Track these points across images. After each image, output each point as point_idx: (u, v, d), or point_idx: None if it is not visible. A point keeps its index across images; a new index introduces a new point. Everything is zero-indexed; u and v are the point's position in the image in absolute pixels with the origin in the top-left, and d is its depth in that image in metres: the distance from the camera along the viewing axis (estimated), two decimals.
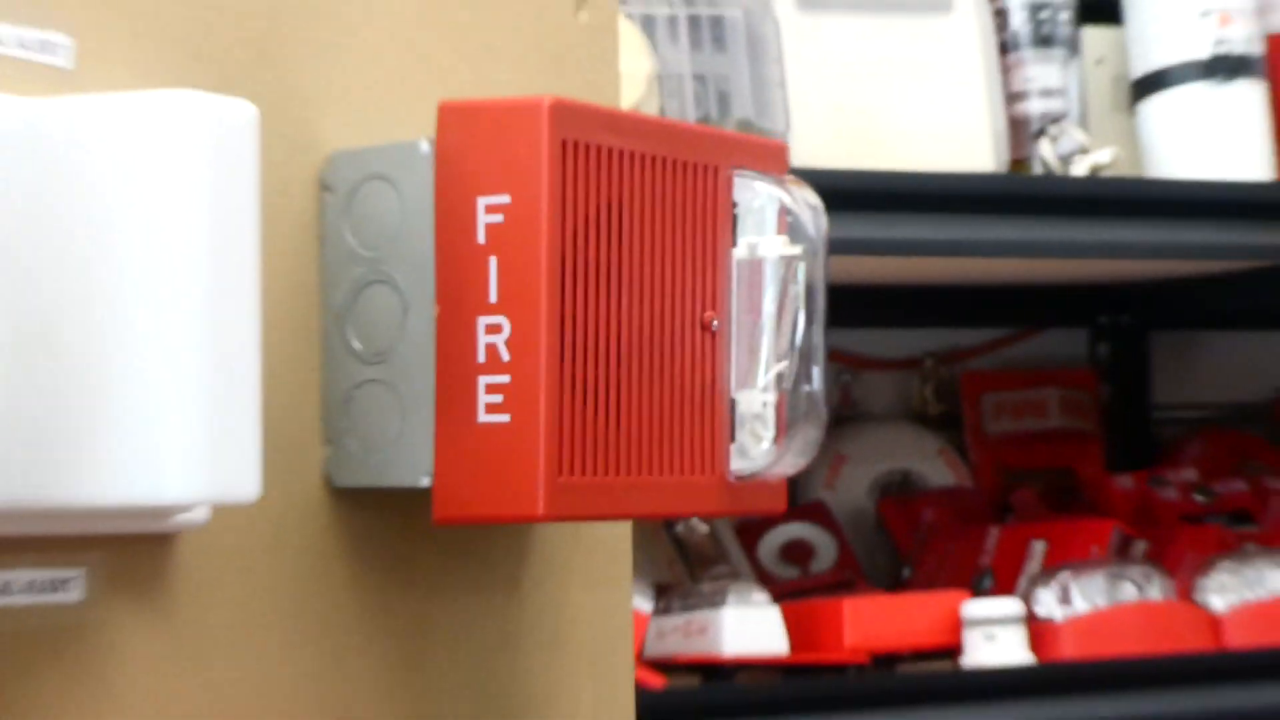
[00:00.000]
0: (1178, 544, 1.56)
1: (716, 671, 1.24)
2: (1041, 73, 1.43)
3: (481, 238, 0.57)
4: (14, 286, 0.54)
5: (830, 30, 1.23)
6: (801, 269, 0.61)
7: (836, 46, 1.23)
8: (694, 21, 1.14)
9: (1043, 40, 1.42)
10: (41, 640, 0.58)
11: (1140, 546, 1.57)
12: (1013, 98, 1.41)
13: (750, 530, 1.64)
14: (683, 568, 1.54)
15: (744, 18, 1.16)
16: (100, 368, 0.54)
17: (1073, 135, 1.41)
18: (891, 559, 1.71)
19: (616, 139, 0.58)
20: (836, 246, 1.15)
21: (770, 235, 0.61)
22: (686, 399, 0.59)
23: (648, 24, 1.12)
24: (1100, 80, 1.56)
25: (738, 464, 0.61)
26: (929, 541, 1.64)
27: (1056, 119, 1.43)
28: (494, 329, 0.56)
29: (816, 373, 0.61)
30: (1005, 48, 1.40)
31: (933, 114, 1.29)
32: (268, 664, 0.63)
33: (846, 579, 1.59)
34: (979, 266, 1.56)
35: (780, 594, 1.44)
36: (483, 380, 0.57)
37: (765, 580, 1.56)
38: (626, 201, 0.58)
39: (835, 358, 1.81)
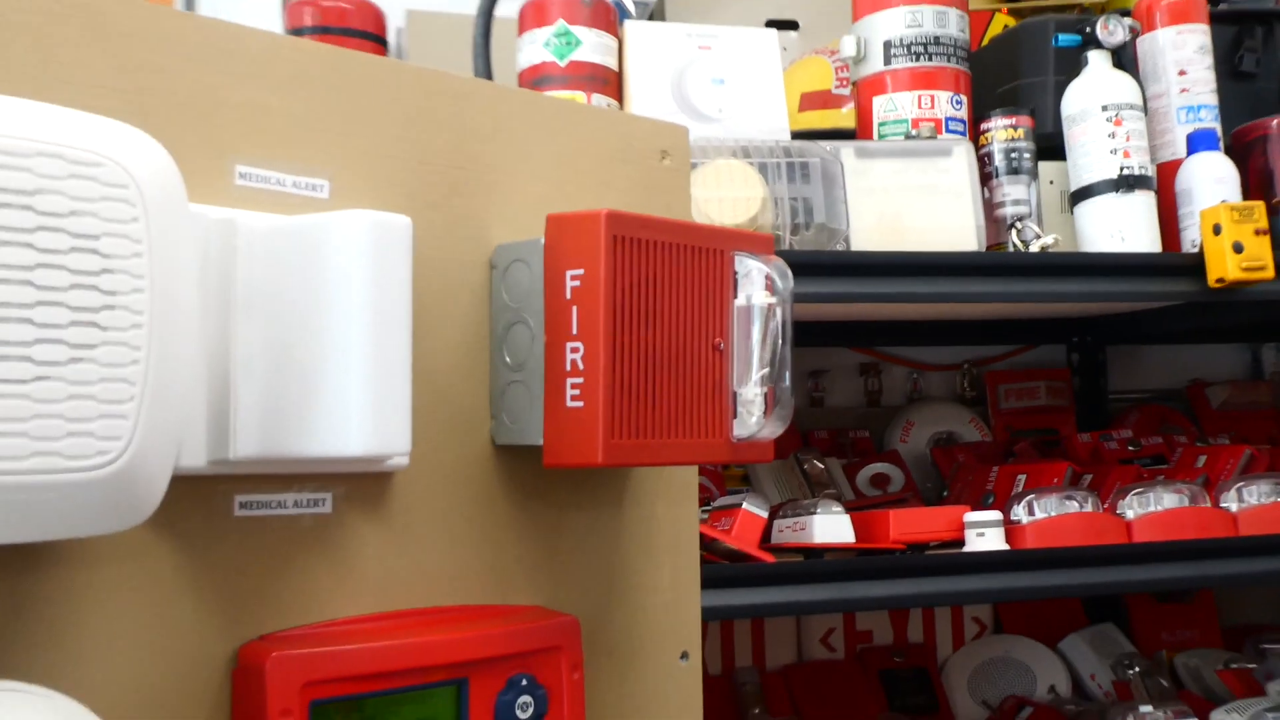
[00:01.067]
0: (1111, 477, 1.65)
1: (810, 552, 1.48)
2: (1013, 190, 1.57)
3: (569, 295, 0.69)
4: (271, 322, 0.63)
5: (876, 168, 1.51)
6: (778, 311, 0.75)
7: (879, 177, 1.50)
8: (790, 165, 1.47)
9: (1013, 170, 1.58)
10: (308, 536, 0.68)
11: (1085, 479, 1.67)
12: (993, 206, 1.58)
13: (852, 467, 1.92)
14: (807, 488, 1.88)
15: (821, 162, 1.49)
16: (316, 375, 0.62)
17: (1031, 227, 1.56)
18: (938, 485, 1.96)
19: (652, 234, 0.70)
20: (881, 297, 1.51)
21: (758, 291, 0.75)
22: (702, 391, 0.73)
23: (763, 168, 1.47)
24: (1051, 193, 1.66)
25: (738, 431, 0.75)
26: (959, 474, 1.83)
27: (1022, 218, 1.57)
28: (575, 350, 0.69)
29: (787, 376, 0.75)
30: (988, 176, 1.58)
31: (939, 217, 1.49)
32: (457, 552, 0.73)
33: (907, 497, 1.82)
34: (991, 309, 1.74)
35: (865, 505, 1.71)
36: (569, 381, 0.69)
37: (858, 496, 1.88)
38: (660, 272, 0.71)
39: (907, 363, 2.14)
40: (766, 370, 0.77)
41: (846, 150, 1.51)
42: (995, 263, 1.52)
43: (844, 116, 1.79)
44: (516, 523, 0.78)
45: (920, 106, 1.60)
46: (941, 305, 1.67)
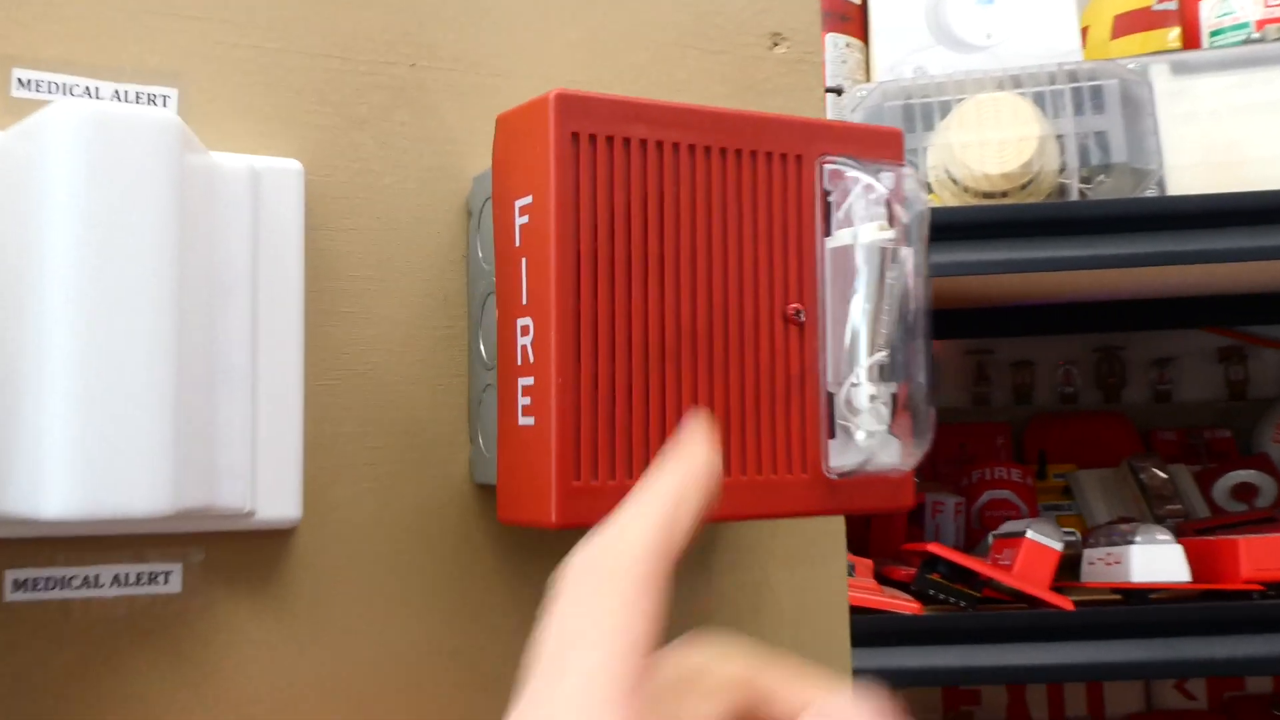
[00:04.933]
0: None
1: (1131, 594, 1.11)
2: None
3: (518, 240, 0.42)
4: None
5: (1200, 86, 1.09)
6: (907, 257, 0.44)
7: (1205, 98, 1.08)
8: (1077, 92, 1.08)
9: None
10: (137, 630, 0.44)
11: None
12: None
13: (1208, 475, 1.52)
14: (1144, 504, 1.47)
15: (1121, 85, 1.08)
16: (8, 386, 0.37)
17: None
18: None
19: (654, 129, 0.41)
20: (1215, 256, 1.09)
21: (868, 221, 0.44)
22: (765, 395, 0.42)
23: (1039, 99, 1.09)
24: None
25: (839, 460, 0.43)
26: None
27: None
28: (525, 330, 0.41)
29: (924, 364, 0.44)
30: None
31: None
32: (404, 649, 0.47)
33: (1278, 514, 1.39)
34: None
35: (1222, 524, 1.32)
36: (520, 382, 0.41)
37: (1215, 512, 1.46)
38: (673, 194, 0.41)
39: None
40: (886, 355, 0.43)
41: (1158, 67, 1.10)
42: None
43: (1172, 40, 1.36)
44: (515, 605, 0.49)
45: (1268, 3, 1.16)
46: None
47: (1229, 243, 1.05)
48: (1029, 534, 1.09)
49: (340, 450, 0.47)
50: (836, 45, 1.22)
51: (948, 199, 1.10)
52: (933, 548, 1.09)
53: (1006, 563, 1.11)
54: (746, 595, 0.53)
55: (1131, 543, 1.13)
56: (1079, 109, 1.07)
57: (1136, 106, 1.07)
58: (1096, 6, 1.42)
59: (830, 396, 0.44)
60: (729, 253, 0.43)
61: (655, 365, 0.41)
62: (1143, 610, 1.07)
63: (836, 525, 0.56)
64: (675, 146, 0.42)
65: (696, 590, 0.52)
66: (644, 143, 0.41)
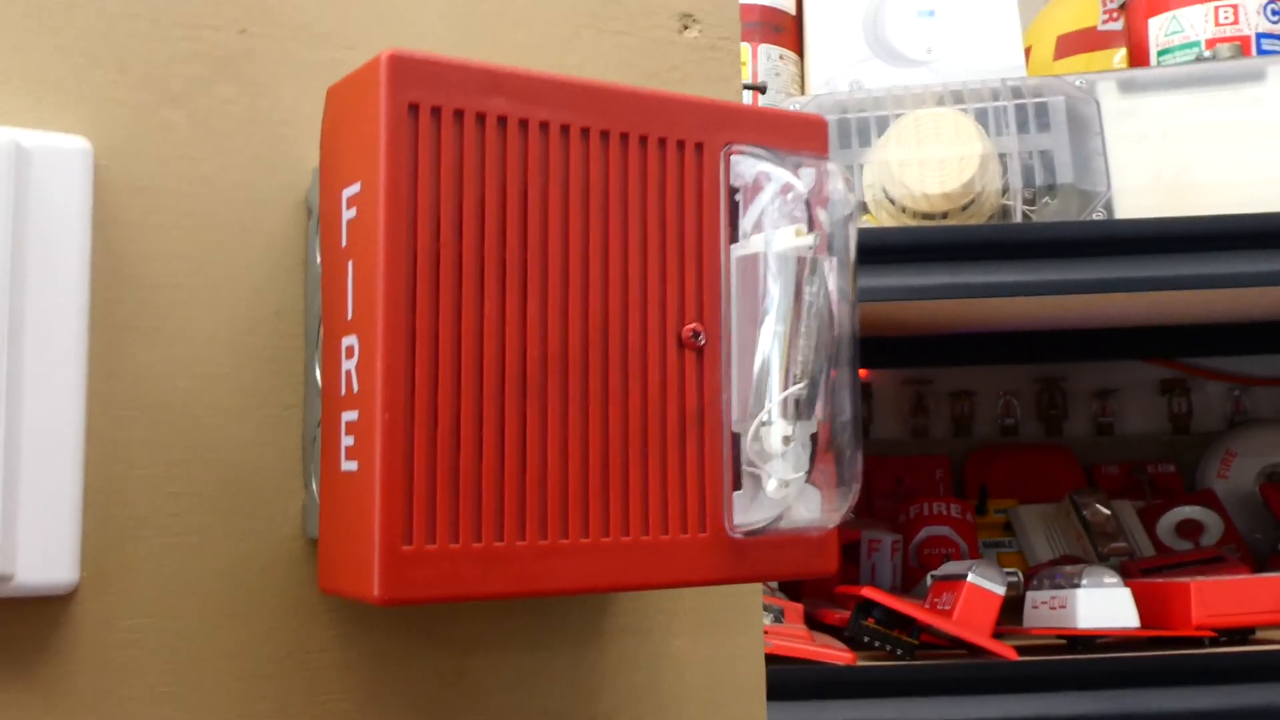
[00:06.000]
0: None
1: (1077, 641, 1.04)
2: None
3: (344, 238, 0.33)
4: None
5: (1150, 105, 1.01)
6: (827, 268, 0.35)
7: (1155, 118, 1.01)
8: (1021, 109, 1.00)
9: None
10: None
11: None
12: None
13: (1152, 511, 1.46)
14: (1087, 541, 1.40)
15: (1067, 102, 1.01)
16: None
17: None
18: (1271, 535, 1.47)
19: (511, 104, 0.32)
20: (1163, 284, 1.02)
21: (783, 225, 0.35)
22: (655, 435, 0.34)
23: (982, 116, 1.02)
24: None
25: (745, 517, 0.35)
26: None
27: None
28: (350, 352, 0.33)
29: (846, 398, 0.36)
30: None
31: (1250, 166, 1.00)
32: None
33: (1225, 553, 1.33)
34: None
35: (1168, 564, 1.26)
36: (343, 417, 0.33)
37: (1160, 550, 1.40)
38: (540, 187, 0.33)
39: (1225, 377, 1.62)
40: (803, 388, 0.35)
41: (1105, 85, 1.03)
42: None
43: (1118, 62, 1.30)
44: (359, 687, 0.40)
45: (1217, 21, 1.10)
46: (1272, 292, 1.14)
47: (1179, 269, 0.98)
48: (970, 577, 1.01)
49: (136, 498, 0.38)
50: (770, 57, 1.14)
51: (885, 220, 1.03)
52: (867, 591, 1.01)
53: (946, 607, 1.03)
54: (642, 669, 0.45)
55: (1077, 586, 1.05)
56: (1023, 127, 1.00)
57: (1083, 125, 1.01)
58: (1039, 26, 1.37)
59: (735, 438, 0.36)
60: (611, 260, 0.34)
61: (514, 399, 0.32)
62: (1091, 661, 1.00)
63: (752, 586, 0.47)
64: (544, 126, 0.33)
65: (582, 663, 0.43)
66: (503, 120, 0.33)
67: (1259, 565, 1.35)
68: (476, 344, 0.32)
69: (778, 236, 0.35)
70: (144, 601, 0.38)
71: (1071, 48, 1.33)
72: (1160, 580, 1.10)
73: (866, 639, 1.01)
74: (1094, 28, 1.33)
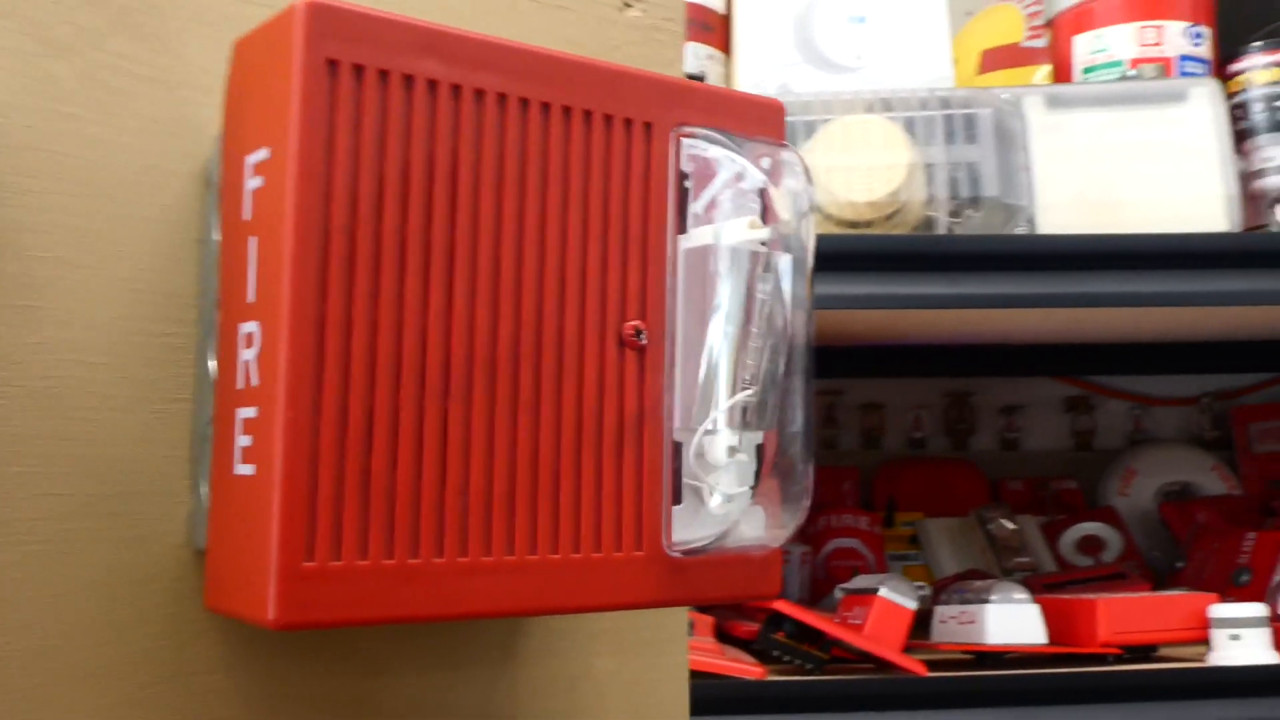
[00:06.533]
0: None
1: (985, 657, 1.03)
2: (1279, 152, 1.06)
3: (247, 210, 0.29)
4: None
5: (1075, 122, 1.01)
6: (781, 264, 0.32)
7: (1080, 134, 1.01)
8: (949, 120, 0.99)
9: (1278, 125, 1.07)
10: None
11: None
12: (1249, 175, 1.06)
13: (1054, 527, 1.46)
14: (992, 556, 1.40)
15: (994, 115, 1.01)
16: None
17: None
18: (1169, 553, 1.48)
19: (444, 67, 0.28)
20: (1084, 300, 1.02)
21: (736, 215, 0.32)
22: (589, 443, 0.30)
23: (910, 125, 1.01)
24: None
25: (685, 534, 0.32)
26: (1200, 540, 1.38)
27: None
28: (249, 340, 0.29)
29: (798, 406, 0.32)
30: (1242, 135, 1.06)
31: (1170, 186, 1.00)
32: None
33: (1126, 570, 1.33)
34: (1239, 322, 1.25)
35: (1070, 580, 1.26)
36: (239, 414, 0.29)
37: (1063, 566, 1.40)
38: (472, 161, 0.29)
39: (1127, 396, 1.64)
40: (753, 394, 0.32)
41: (1032, 99, 1.02)
42: (1260, 248, 1.00)
43: (1041, 79, 1.30)
44: (250, 713, 0.36)
45: (1141, 43, 1.10)
46: (1175, 313, 1.18)
47: (1101, 286, 0.98)
48: (882, 592, 1.00)
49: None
50: (698, 56, 1.12)
51: None
52: (779, 605, 0.99)
53: (857, 621, 1.01)
54: (561, 692, 0.41)
55: (986, 601, 1.05)
56: (950, 138, 0.99)
57: (1009, 139, 1.00)
58: (964, 40, 1.36)
59: (677, 447, 0.32)
60: (547, 247, 0.31)
61: (435, 398, 0.29)
62: (1000, 678, 0.99)
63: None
64: (479, 95, 0.30)
65: (497, 687, 0.40)
66: (434, 85, 0.29)
67: (1158, 583, 1.36)
68: (395, 335, 0.28)
69: (730, 228, 0.32)
70: (4, 617, 0.33)
71: (996, 63, 1.32)
72: (1067, 596, 1.10)
73: (776, 653, 0.99)
74: (1018, 44, 1.32)
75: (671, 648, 0.44)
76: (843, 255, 0.97)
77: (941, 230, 0.99)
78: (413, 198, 0.28)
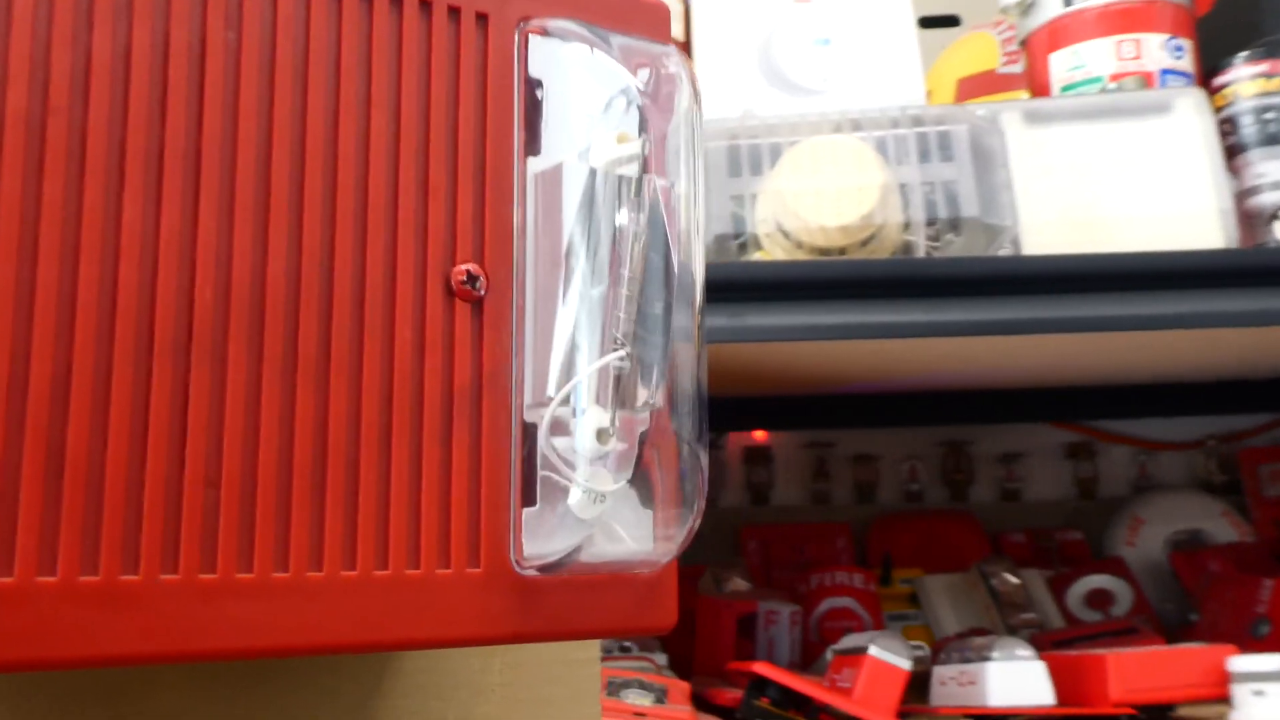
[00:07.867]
0: None
1: None
2: (1271, 167, 1.00)
3: None
4: None
5: (1056, 137, 0.95)
6: (658, 192, 0.24)
7: (1062, 150, 0.95)
8: (923, 138, 0.93)
9: (1272, 139, 1.01)
10: None
11: None
12: (1242, 193, 1.00)
13: (1060, 581, 1.38)
14: (995, 613, 1.32)
15: (970, 132, 0.94)
16: None
17: None
18: (1182, 605, 1.40)
19: None
20: (1072, 325, 0.94)
21: (601, 133, 0.24)
22: (407, 424, 0.23)
23: (882, 145, 0.94)
24: None
25: (539, 544, 0.24)
26: (1213, 591, 1.30)
27: None
28: None
29: (690, 375, 0.24)
30: (1232, 150, 1.00)
31: (1158, 201, 0.94)
32: None
33: (1137, 624, 1.25)
34: (1241, 359, 1.18)
35: (1078, 635, 1.18)
36: None
37: (1070, 622, 1.31)
38: (233, 41, 0.22)
39: (1130, 441, 1.56)
40: (624, 359, 0.24)
41: (1010, 115, 0.96)
42: (1263, 265, 0.92)
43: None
44: None
45: (1120, 56, 1.04)
46: (1175, 345, 1.11)
47: (1095, 310, 0.90)
48: (872, 650, 0.91)
49: None
50: None
51: (779, 254, 0.94)
52: (760, 668, 0.90)
53: (847, 684, 0.92)
54: None
55: (988, 659, 0.96)
56: (925, 157, 0.92)
57: (988, 157, 0.93)
58: (939, 71, 1.31)
59: (528, 429, 0.24)
60: (340, 164, 0.23)
61: (168, 356, 0.21)
62: None
63: (586, 649, 0.36)
64: None
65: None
66: None
67: (1171, 637, 1.27)
68: (107, 270, 0.20)
69: (594, 147, 0.25)
70: None
71: (973, 91, 1.27)
72: (1074, 653, 1.01)
73: None
74: (994, 70, 1.27)
75: (579, 707, 0.35)
76: (817, 283, 0.89)
77: (920, 254, 0.91)
78: (137, 84, 0.21)
